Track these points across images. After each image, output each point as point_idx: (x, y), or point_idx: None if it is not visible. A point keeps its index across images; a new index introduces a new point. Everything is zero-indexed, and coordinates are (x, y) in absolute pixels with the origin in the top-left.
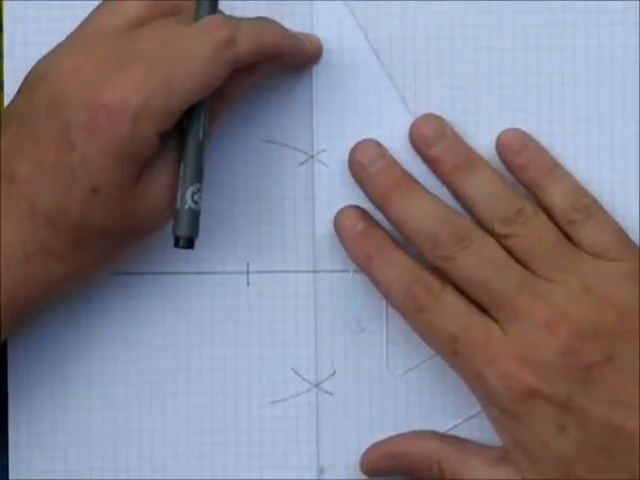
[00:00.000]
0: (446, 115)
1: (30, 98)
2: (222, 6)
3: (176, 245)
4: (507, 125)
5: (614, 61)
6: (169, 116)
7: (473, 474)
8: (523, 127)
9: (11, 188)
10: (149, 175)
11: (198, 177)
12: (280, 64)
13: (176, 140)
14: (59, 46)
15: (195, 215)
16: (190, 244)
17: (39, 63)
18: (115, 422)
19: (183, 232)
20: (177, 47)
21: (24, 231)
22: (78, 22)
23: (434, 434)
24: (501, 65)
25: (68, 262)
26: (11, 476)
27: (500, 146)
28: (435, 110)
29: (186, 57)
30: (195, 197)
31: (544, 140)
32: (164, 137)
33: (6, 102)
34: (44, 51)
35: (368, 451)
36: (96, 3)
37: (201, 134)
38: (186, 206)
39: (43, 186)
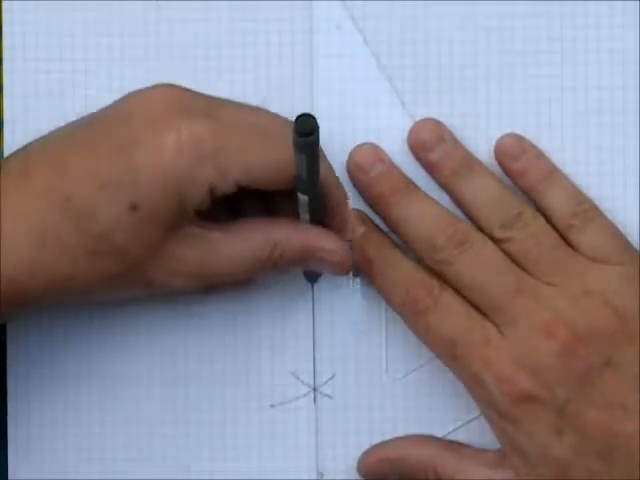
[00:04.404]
0: (445, 119)
1: (108, 109)
2: (223, 7)
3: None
4: (506, 129)
5: (614, 64)
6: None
7: (470, 478)
8: (522, 132)
9: (57, 180)
10: (180, 238)
11: None
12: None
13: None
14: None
15: None
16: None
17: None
18: (114, 423)
19: None
20: None
21: (51, 219)
22: (77, 24)
23: (431, 438)
24: (500, 69)
25: (77, 266)
26: (10, 476)
27: (498, 151)
28: (434, 114)
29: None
30: None
31: (543, 145)
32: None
33: (5, 103)
34: (43, 53)
35: (366, 455)
36: (95, 4)
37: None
38: None
39: (85, 186)
